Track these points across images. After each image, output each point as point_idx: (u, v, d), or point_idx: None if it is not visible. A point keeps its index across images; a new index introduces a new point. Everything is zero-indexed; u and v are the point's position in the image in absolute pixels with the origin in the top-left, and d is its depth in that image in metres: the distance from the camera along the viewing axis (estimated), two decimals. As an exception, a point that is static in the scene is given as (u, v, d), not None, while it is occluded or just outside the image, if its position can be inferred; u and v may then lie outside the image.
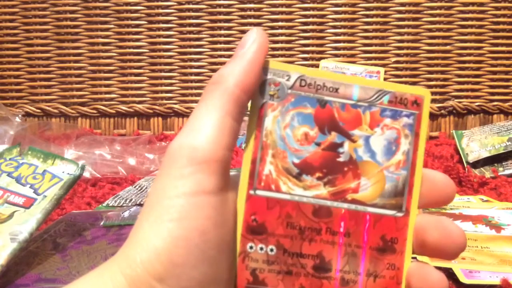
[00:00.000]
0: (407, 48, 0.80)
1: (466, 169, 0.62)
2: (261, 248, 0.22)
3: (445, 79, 0.81)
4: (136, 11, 0.80)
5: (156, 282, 0.19)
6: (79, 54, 0.81)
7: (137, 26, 0.81)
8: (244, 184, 0.22)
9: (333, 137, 0.23)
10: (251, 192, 0.22)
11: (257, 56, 0.22)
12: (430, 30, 0.80)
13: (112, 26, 0.81)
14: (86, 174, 0.61)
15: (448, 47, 0.80)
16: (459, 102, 0.80)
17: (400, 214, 0.23)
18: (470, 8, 0.79)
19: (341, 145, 0.23)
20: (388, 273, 0.22)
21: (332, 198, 0.23)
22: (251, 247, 0.22)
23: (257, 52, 0.22)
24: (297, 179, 0.22)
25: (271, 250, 0.22)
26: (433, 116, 0.81)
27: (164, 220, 0.19)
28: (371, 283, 0.22)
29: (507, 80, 0.81)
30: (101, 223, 0.43)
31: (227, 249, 0.21)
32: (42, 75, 0.81)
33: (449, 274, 0.34)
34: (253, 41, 0.22)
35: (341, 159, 0.23)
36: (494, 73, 0.81)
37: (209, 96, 0.21)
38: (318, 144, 0.23)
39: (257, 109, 0.22)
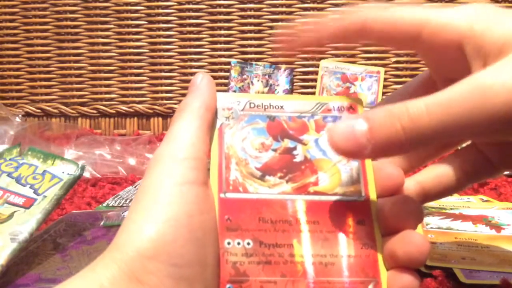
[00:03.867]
0: (407, 48, 0.80)
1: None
2: (238, 243, 0.23)
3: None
4: (136, 11, 0.80)
5: (148, 260, 0.20)
6: (79, 54, 0.81)
7: (137, 26, 0.81)
8: (214, 189, 0.24)
9: (286, 143, 0.26)
10: (222, 195, 0.24)
11: (209, 85, 0.26)
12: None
13: (112, 26, 0.81)
14: (86, 174, 0.61)
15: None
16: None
17: (361, 199, 0.25)
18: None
19: (294, 148, 0.26)
20: (364, 252, 0.24)
21: (296, 192, 0.25)
22: (228, 243, 0.23)
23: (208, 83, 0.26)
24: (261, 180, 0.25)
25: (248, 243, 0.24)
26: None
27: (153, 206, 0.21)
28: (349, 264, 0.24)
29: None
30: (101, 223, 0.43)
31: (212, 234, 0.23)
32: (42, 75, 0.81)
33: (449, 274, 0.34)
34: (201, 78, 0.26)
35: (297, 159, 0.26)
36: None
37: (180, 118, 0.25)
38: (274, 150, 0.26)
39: (216, 130, 0.26)
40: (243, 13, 0.80)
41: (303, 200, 0.25)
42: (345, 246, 0.24)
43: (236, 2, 0.80)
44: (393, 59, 0.80)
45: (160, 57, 0.81)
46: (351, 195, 0.25)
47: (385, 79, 0.78)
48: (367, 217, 0.25)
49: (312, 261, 0.23)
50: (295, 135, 0.26)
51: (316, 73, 0.79)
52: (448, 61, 0.25)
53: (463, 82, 0.20)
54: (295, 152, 0.26)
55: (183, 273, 0.20)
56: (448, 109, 0.20)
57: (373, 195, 0.25)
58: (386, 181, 0.25)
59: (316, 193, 0.25)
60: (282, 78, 0.77)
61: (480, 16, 0.23)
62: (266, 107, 0.27)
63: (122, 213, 0.45)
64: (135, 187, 0.56)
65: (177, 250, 0.20)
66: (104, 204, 0.51)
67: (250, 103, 0.27)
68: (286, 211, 0.24)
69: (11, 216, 0.36)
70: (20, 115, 0.78)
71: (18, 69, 0.81)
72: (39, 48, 0.81)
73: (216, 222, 0.23)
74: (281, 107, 0.27)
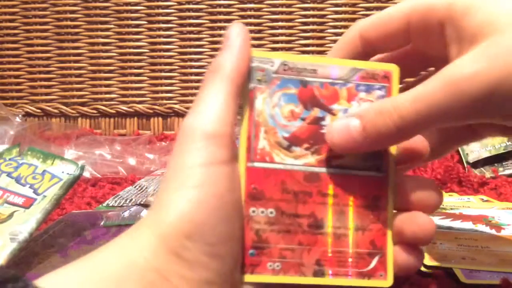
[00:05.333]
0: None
1: (466, 169, 0.62)
2: (262, 212, 0.25)
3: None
4: (136, 11, 0.80)
5: (185, 239, 0.21)
6: (79, 54, 0.81)
7: (137, 26, 0.81)
8: (243, 158, 0.25)
9: (316, 112, 0.26)
10: (249, 164, 0.25)
11: (244, 44, 0.24)
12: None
13: (112, 26, 0.81)
14: (86, 174, 0.61)
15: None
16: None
17: (380, 174, 0.26)
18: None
19: (323, 118, 0.26)
20: (375, 227, 0.26)
21: (319, 164, 0.26)
22: (253, 211, 0.25)
23: (243, 40, 0.24)
24: (287, 150, 0.25)
25: (271, 212, 0.25)
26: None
27: (186, 186, 0.22)
28: (360, 236, 0.26)
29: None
30: (101, 223, 0.43)
31: (239, 210, 0.24)
32: (42, 75, 0.81)
33: (449, 274, 0.34)
34: (237, 34, 0.25)
35: (325, 130, 0.26)
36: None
37: (211, 81, 0.24)
38: (303, 119, 0.26)
39: (248, 93, 0.25)
40: (243, 13, 0.80)
41: (325, 173, 0.26)
42: (358, 219, 0.26)
43: (236, 2, 0.80)
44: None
45: (160, 57, 0.81)
46: (371, 169, 0.26)
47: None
48: (383, 192, 0.26)
49: (327, 232, 0.25)
50: (325, 104, 0.26)
51: (316, 73, 0.79)
52: (442, 45, 0.25)
53: (438, 77, 0.22)
54: (323, 123, 0.26)
55: (217, 250, 0.22)
56: (429, 103, 0.22)
57: (392, 171, 0.26)
58: (411, 152, 0.26)
59: (338, 166, 0.26)
60: (282, 78, 0.77)
61: None
62: (299, 70, 0.26)
63: (122, 213, 0.45)
64: (135, 187, 0.56)
65: (210, 231, 0.21)
66: (104, 204, 0.51)
67: (284, 65, 0.26)
68: (308, 183, 0.25)
69: (10, 216, 0.36)
70: (20, 115, 0.78)
71: (18, 69, 0.81)
72: (39, 48, 0.81)
73: (242, 197, 0.24)
74: (315, 71, 0.26)
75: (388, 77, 0.26)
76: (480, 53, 0.21)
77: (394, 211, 0.26)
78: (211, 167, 0.22)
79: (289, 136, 0.26)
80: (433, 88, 0.22)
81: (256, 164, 0.25)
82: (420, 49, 0.27)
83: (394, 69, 0.26)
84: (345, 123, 0.24)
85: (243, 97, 0.25)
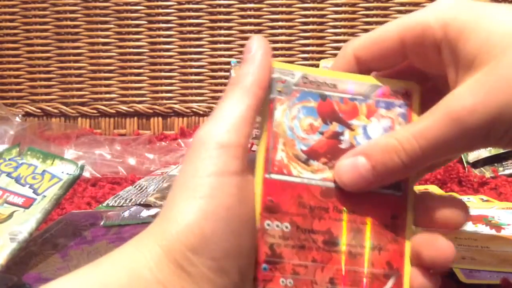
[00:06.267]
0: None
1: (466, 169, 0.62)
2: (277, 225, 0.24)
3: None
4: (136, 11, 0.80)
5: (190, 252, 0.21)
6: (79, 54, 0.81)
7: (137, 26, 0.81)
8: (260, 169, 0.24)
9: (335, 126, 0.26)
10: (267, 176, 0.24)
11: (265, 57, 0.24)
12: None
13: (112, 26, 0.81)
14: (86, 174, 0.61)
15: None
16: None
17: (398, 193, 0.25)
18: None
19: (342, 133, 0.25)
20: (392, 247, 0.25)
21: None
22: (268, 224, 0.24)
23: (264, 54, 0.24)
24: (305, 164, 0.25)
25: (286, 227, 0.24)
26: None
27: (195, 197, 0.21)
28: (376, 256, 0.25)
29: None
30: (101, 223, 0.43)
31: (249, 223, 0.23)
32: (42, 75, 0.81)
33: (449, 274, 0.34)
34: (258, 46, 0.24)
35: (343, 146, 0.25)
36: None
37: (231, 94, 0.24)
38: (322, 133, 0.25)
39: (268, 104, 0.25)
40: (243, 13, 0.80)
41: (342, 189, 0.25)
42: (375, 238, 0.25)
43: (236, 2, 0.80)
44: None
45: (160, 57, 0.81)
46: (390, 188, 0.25)
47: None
48: (402, 212, 0.25)
49: (343, 250, 0.24)
50: (344, 119, 0.26)
51: (316, 73, 0.79)
52: (439, 64, 0.25)
53: (439, 110, 0.22)
54: (342, 138, 0.25)
55: (222, 265, 0.21)
56: (433, 139, 0.22)
57: (411, 190, 0.25)
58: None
59: None
60: (282, 78, 0.77)
61: (455, 17, 0.23)
62: (319, 84, 0.26)
63: (122, 213, 0.45)
64: (135, 187, 0.56)
65: (216, 243, 0.21)
66: (104, 204, 0.51)
67: (304, 78, 0.26)
68: (325, 198, 0.25)
69: (10, 216, 0.36)
70: (20, 115, 0.78)
71: (18, 69, 0.81)
72: (39, 48, 0.81)
73: (254, 209, 0.24)
74: (335, 85, 0.26)
75: (409, 95, 0.26)
76: (478, 84, 0.21)
77: (414, 227, 0.25)
78: (222, 178, 0.22)
79: (307, 150, 0.25)
80: (435, 123, 0.22)
81: (273, 176, 0.24)
82: (418, 66, 0.26)
83: (415, 87, 0.26)
84: (352, 162, 0.24)
85: (263, 107, 0.25)
